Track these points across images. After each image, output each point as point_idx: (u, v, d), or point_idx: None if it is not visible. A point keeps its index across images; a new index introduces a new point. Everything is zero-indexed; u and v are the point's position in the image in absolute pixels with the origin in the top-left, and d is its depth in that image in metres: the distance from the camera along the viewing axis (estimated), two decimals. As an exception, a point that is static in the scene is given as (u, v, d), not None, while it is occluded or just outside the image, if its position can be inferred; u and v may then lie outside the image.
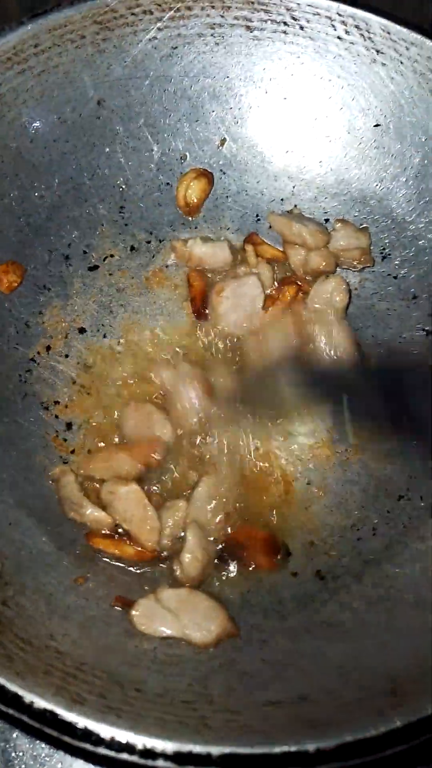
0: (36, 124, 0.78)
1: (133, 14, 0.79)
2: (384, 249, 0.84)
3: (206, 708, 0.53)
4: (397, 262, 0.83)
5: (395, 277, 0.83)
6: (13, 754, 0.63)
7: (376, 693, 0.53)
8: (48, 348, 0.79)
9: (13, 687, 0.50)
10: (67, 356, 0.80)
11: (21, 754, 0.63)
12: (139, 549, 0.65)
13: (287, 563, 0.69)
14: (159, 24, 0.80)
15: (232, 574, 0.67)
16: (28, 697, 0.50)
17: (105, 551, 0.66)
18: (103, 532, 0.67)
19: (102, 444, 0.75)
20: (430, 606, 0.61)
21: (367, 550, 0.69)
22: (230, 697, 0.55)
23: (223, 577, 0.67)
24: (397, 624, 0.60)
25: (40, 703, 0.50)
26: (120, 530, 0.68)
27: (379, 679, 0.55)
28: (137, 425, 0.73)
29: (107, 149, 0.83)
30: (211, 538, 0.67)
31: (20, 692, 0.50)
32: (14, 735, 0.64)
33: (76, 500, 0.67)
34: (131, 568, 0.66)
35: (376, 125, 0.82)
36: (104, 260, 0.84)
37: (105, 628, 0.60)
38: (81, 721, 0.49)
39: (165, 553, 0.67)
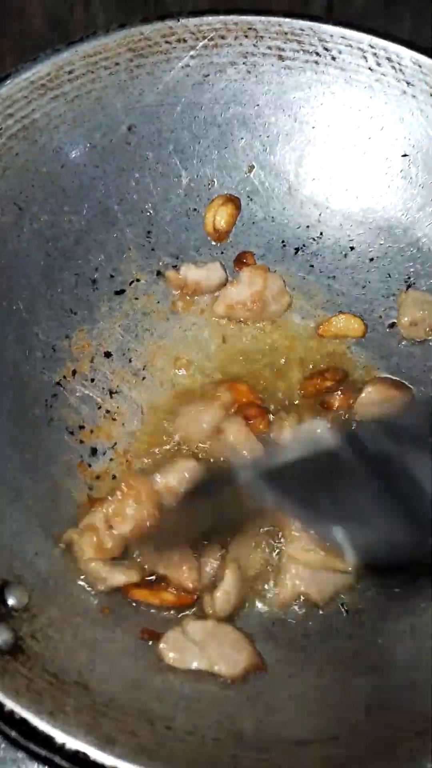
0: (72, 152, 0.78)
1: (167, 42, 0.79)
2: (409, 278, 0.84)
3: (236, 746, 0.53)
4: (422, 292, 0.83)
5: (420, 307, 0.83)
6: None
7: (405, 734, 0.53)
8: (74, 372, 0.80)
9: (44, 727, 0.50)
10: (92, 380, 0.80)
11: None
12: (180, 594, 0.65)
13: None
14: (192, 52, 0.80)
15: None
16: (60, 737, 0.50)
17: (144, 602, 0.65)
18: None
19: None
20: (458, 644, 0.61)
21: (390, 584, 0.70)
22: (260, 732, 0.55)
23: (248, 611, 0.67)
24: (423, 661, 0.60)
25: (73, 744, 0.50)
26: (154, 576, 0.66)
27: (408, 719, 0.55)
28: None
29: (136, 174, 0.84)
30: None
31: (52, 733, 0.50)
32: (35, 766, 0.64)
33: (95, 573, 0.64)
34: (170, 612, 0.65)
35: (404, 155, 0.82)
36: (131, 284, 0.85)
37: (132, 662, 0.60)
38: (114, 762, 0.49)
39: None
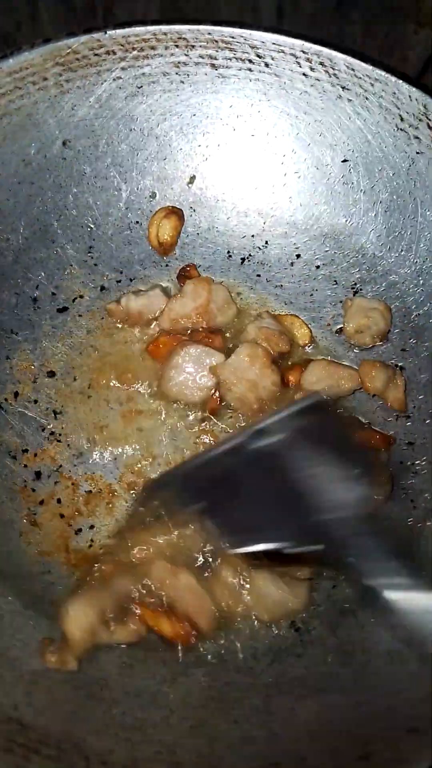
0: (5, 170, 0.77)
1: (96, 55, 0.78)
2: (355, 284, 0.83)
3: (174, 779, 0.52)
4: (368, 298, 0.82)
5: (368, 313, 0.82)
6: None
7: (348, 760, 0.52)
8: (16, 394, 0.78)
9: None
10: (36, 402, 0.79)
11: None
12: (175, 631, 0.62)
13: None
14: (123, 63, 0.79)
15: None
16: (-15, 780, 0.48)
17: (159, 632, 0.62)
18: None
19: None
20: (404, 661, 0.59)
21: (342, 599, 0.68)
22: (199, 765, 0.53)
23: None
24: (370, 681, 0.59)
25: (-2, 786, 0.48)
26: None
27: (350, 743, 0.53)
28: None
29: (74, 190, 0.82)
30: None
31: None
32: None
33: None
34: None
35: (345, 161, 0.81)
36: (74, 301, 0.83)
37: (72, 692, 0.59)
38: (40, 805, 0.47)
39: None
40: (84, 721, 0.56)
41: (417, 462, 0.75)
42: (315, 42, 0.77)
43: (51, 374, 0.80)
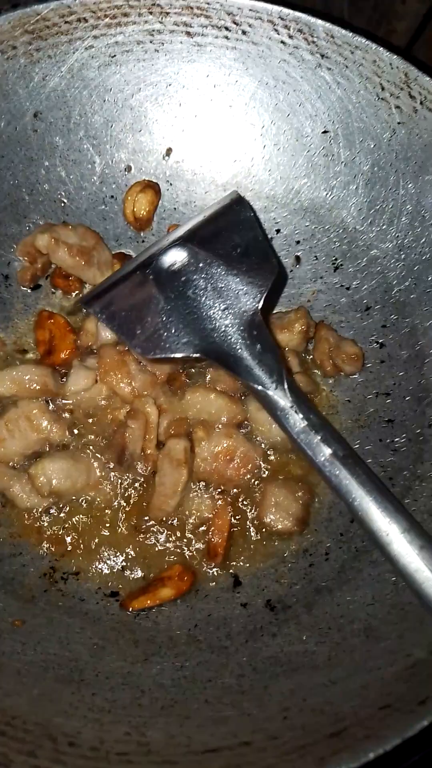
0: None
1: (66, 22, 0.75)
2: (336, 259, 0.81)
3: (143, 760, 0.51)
4: (349, 273, 0.81)
5: (348, 288, 0.81)
6: None
7: (319, 737, 0.51)
8: (-12, 374, 0.76)
9: None
10: (9, 381, 0.77)
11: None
12: (177, 582, 0.65)
13: (237, 594, 0.67)
14: (95, 32, 0.76)
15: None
16: None
17: (147, 607, 0.64)
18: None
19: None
20: (380, 637, 0.58)
21: (319, 577, 0.67)
22: (169, 745, 0.52)
23: (170, 612, 0.64)
24: (345, 658, 0.58)
25: (-40, 767, 0.47)
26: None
27: (323, 721, 0.52)
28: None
29: (46, 163, 0.80)
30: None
31: None
32: None
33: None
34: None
35: (325, 132, 0.79)
36: (47, 278, 0.81)
37: (41, 674, 0.58)
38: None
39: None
40: (52, 703, 0.55)
41: (396, 440, 0.74)
42: (293, 8, 0.74)
43: (23, 352, 0.78)
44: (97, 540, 0.69)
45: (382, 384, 0.77)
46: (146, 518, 0.70)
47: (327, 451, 0.59)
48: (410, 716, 0.50)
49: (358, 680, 0.56)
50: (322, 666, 0.58)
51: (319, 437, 0.59)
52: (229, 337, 0.63)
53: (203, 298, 0.64)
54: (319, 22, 0.75)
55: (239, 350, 0.63)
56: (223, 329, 0.63)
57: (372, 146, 0.77)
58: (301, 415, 0.60)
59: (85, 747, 0.51)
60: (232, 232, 0.68)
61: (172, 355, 0.62)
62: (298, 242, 0.82)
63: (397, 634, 0.58)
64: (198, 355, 0.62)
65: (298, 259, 0.82)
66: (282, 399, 0.61)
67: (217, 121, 0.82)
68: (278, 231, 0.83)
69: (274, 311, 0.82)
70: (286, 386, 0.61)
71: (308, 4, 1.11)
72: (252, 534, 0.70)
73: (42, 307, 0.80)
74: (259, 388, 0.61)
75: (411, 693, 0.52)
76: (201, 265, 0.65)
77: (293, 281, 0.83)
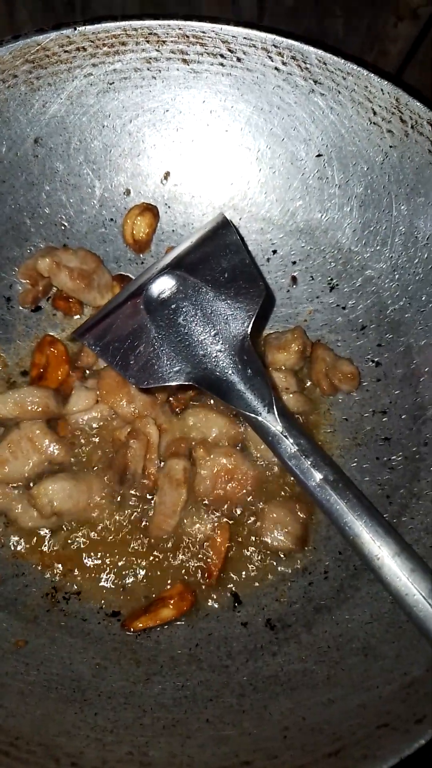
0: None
1: (66, 51, 0.77)
2: (332, 279, 0.82)
3: (144, 780, 0.51)
4: (345, 293, 0.82)
5: (344, 308, 0.82)
6: None
7: (318, 756, 0.51)
8: (-10, 395, 0.77)
9: None
10: (10, 402, 0.78)
11: None
12: (178, 603, 0.65)
13: (237, 613, 0.68)
14: (93, 60, 0.78)
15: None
16: None
17: (148, 627, 0.65)
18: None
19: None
20: (379, 656, 0.59)
21: (318, 596, 0.68)
22: (170, 765, 0.53)
23: (172, 633, 0.65)
24: (344, 677, 0.59)
25: (-35, 789, 0.48)
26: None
27: (322, 740, 0.53)
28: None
29: (47, 187, 0.81)
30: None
31: None
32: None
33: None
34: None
35: (319, 155, 0.80)
36: (48, 300, 0.83)
37: (44, 693, 0.58)
38: (7, 808, 0.47)
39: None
40: (55, 723, 0.55)
41: (393, 458, 0.75)
42: (287, 36, 0.76)
43: (24, 374, 0.79)
44: (98, 560, 0.70)
45: (378, 402, 0.78)
46: (147, 538, 0.71)
47: (318, 476, 0.60)
48: (407, 735, 0.50)
49: (356, 699, 0.56)
50: (321, 685, 0.59)
51: (310, 462, 0.60)
52: (220, 362, 0.64)
53: (193, 325, 0.65)
54: (312, 49, 0.77)
55: (230, 375, 0.63)
56: (213, 355, 0.64)
57: (365, 169, 0.79)
58: (291, 440, 0.61)
59: (87, 767, 0.52)
60: (219, 257, 0.69)
61: (165, 384, 0.63)
62: (294, 263, 0.84)
63: (394, 653, 0.59)
64: (190, 383, 0.63)
65: (294, 279, 0.84)
66: (273, 424, 0.61)
67: (213, 145, 0.83)
68: (274, 252, 0.84)
69: (271, 331, 0.83)
70: (276, 411, 0.62)
71: (303, 26, 1.14)
72: (251, 553, 0.71)
73: (44, 329, 0.81)
74: (251, 414, 0.62)
75: (408, 712, 0.53)
76: (190, 291, 0.66)
77: (290, 301, 0.84)
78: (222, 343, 0.64)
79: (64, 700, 0.58)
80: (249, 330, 0.65)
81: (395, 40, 1.13)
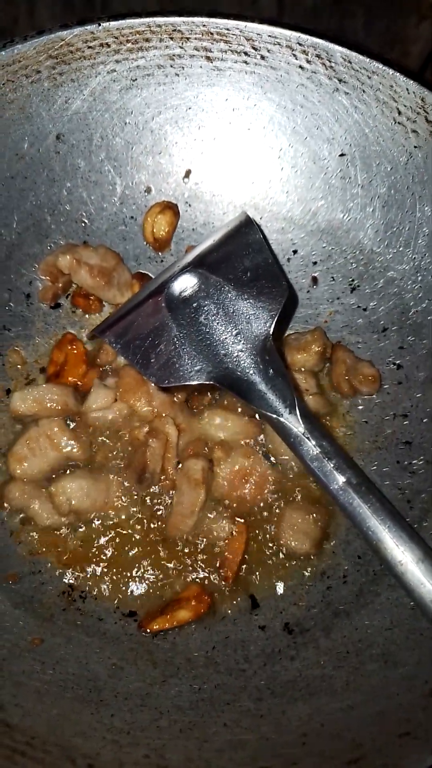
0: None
1: (89, 47, 0.77)
2: (353, 280, 0.82)
3: (161, 783, 0.51)
4: (366, 294, 0.81)
5: (365, 310, 0.81)
6: None
7: (338, 764, 0.51)
8: (8, 391, 0.77)
9: None
10: (28, 399, 0.77)
11: None
12: (195, 604, 0.65)
13: (255, 616, 0.67)
14: (117, 56, 0.78)
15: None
16: (-30, 782, 0.47)
17: (164, 629, 0.64)
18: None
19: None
20: (399, 663, 0.58)
21: (337, 600, 0.67)
22: (188, 767, 0.52)
23: (187, 636, 0.64)
24: (363, 684, 0.58)
25: (-19, 788, 0.47)
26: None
27: (342, 747, 0.52)
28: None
29: (68, 184, 0.81)
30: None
31: (-39, 777, 0.47)
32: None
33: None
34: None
35: (342, 155, 0.80)
36: (68, 297, 0.82)
37: (60, 693, 0.58)
38: (24, 808, 0.47)
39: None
40: (71, 723, 0.55)
41: (414, 462, 0.74)
42: (311, 34, 0.75)
43: (43, 371, 0.79)
44: (115, 559, 0.69)
45: (399, 405, 0.77)
46: (164, 538, 0.70)
47: (341, 479, 0.59)
48: (429, 745, 0.49)
49: (376, 706, 0.56)
50: (340, 691, 0.58)
51: (333, 464, 0.59)
52: (242, 362, 0.63)
53: (215, 324, 0.65)
54: (337, 47, 0.76)
55: (252, 375, 0.63)
56: (235, 355, 0.64)
57: (389, 169, 0.78)
58: (314, 442, 0.60)
59: (104, 769, 0.51)
60: (242, 256, 0.68)
61: (186, 383, 0.63)
62: (314, 263, 0.83)
63: (415, 660, 0.58)
64: (211, 382, 0.63)
65: (315, 280, 0.83)
66: (295, 425, 0.61)
67: (235, 143, 0.83)
68: (295, 252, 0.83)
69: (291, 332, 0.83)
70: (298, 412, 0.61)
71: (323, 25, 1.13)
72: (269, 555, 0.70)
73: (63, 326, 0.81)
74: (273, 415, 0.61)
75: (429, 721, 0.52)
76: (212, 290, 0.66)
77: (310, 302, 0.83)
78: (244, 343, 0.64)
79: (80, 700, 0.58)
80: (271, 330, 0.64)
81: (416, 41, 1.12)
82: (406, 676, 0.57)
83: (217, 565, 0.69)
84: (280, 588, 0.69)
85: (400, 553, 0.56)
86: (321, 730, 0.54)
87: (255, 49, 0.77)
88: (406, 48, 1.12)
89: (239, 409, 0.75)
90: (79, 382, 0.77)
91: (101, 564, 0.69)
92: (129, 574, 0.68)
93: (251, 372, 0.63)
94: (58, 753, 0.52)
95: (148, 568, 0.69)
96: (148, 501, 0.71)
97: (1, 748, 0.50)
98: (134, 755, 0.53)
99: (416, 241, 0.78)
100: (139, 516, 0.71)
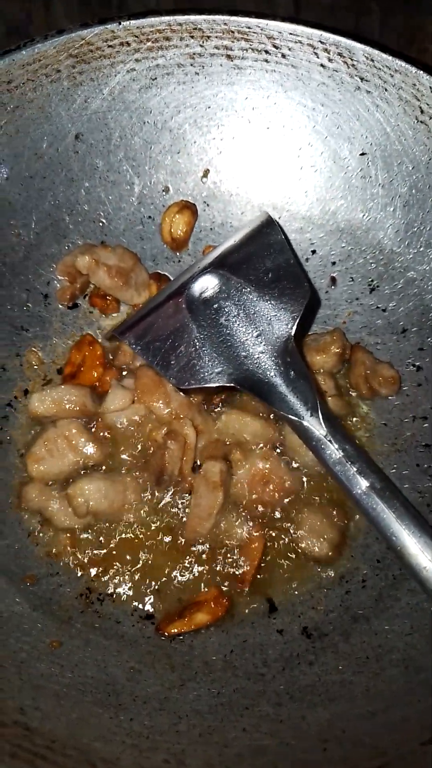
0: (17, 163, 0.76)
1: (110, 46, 0.76)
2: (372, 281, 0.81)
3: (182, 789, 0.50)
4: (386, 295, 0.80)
5: (384, 310, 0.80)
6: None
7: (361, 772, 0.50)
8: (26, 392, 0.77)
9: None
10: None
11: None
12: (213, 607, 0.64)
13: (273, 620, 0.66)
14: (137, 55, 0.77)
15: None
16: (-9, 785, 0.47)
17: (182, 632, 0.64)
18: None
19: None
20: (420, 669, 0.58)
21: (356, 604, 0.67)
22: (208, 774, 0.52)
23: (205, 638, 0.64)
24: (384, 690, 0.57)
25: (3, 792, 0.47)
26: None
27: (364, 754, 0.52)
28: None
29: (86, 184, 0.81)
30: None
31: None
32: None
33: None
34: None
35: (362, 154, 0.79)
36: (85, 297, 0.82)
37: (79, 697, 0.58)
38: None
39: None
40: (91, 727, 0.55)
41: (434, 465, 0.73)
42: (333, 32, 0.74)
43: (60, 371, 0.79)
44: (132, 561, 0.69)
45: (419, 408, 0.76)
46: (182, 540, 0.70)
47: (364, 483, 0.58)
48: (454, 753, 0.49)
49: (398, 713, 0.55)
50: (360, 697, 0.57)
51: (356, 468, 0.59)
52: (263, 364, 0.63)
53: (236, 326, 0.64)
54: (359, 45, 0.75)
55: (273, 377, 0.62)
56: (256, 356, 0.63)
57: (410, 168, 0.77)
58: (336, 446, 0.59)
59: (123, 774, 0.51)
60: (263, 257, 0.68)
61: (207, 385, 0.62)
62: (333, 263, 0.82)
63: (437, 665, 0.58)
64: (232, 384, 0.62)
65: (333, 280, 0.82)
66: (317, 428, 0.60)
67: (254, 142, 0.82)
68: (314, 252, 0.83)
69: (310, 333, 0.82)
70: (320, 415, 0.60)
71: (340, 24, 1.12)
72: (287, 559, 0.69)
73: (81, 327, 0.81)
74: (294, 418, 0.60)
75: (454, 729, 0.51)
76: (233, 291, 0.65)
77: (329, 302, 0.82)
78: (265, 345, 0.63)
79: (99, 703, 0.57)
80: (293, 331, 0.63)
81: (433, 38, 1.11)
82: (427, 682, 0.57)
83: (235, 568, 0.69)
84: (298, 592, 0.68)
85: (425, 559, 0.55)
86: (342, 737, 0.54)
87: (276, 47, 0.76)
88: (424, 45, 1.11)
89: (256, 412, 0.75)
90: (96, 383, 0.76)
91: (118, 566, 0.69)
92: (146, 577, 0.68)
93: (272, 374, 0.62)
94: (78, 757, 0.52)
95: (165, 570, 0.69)
96: (165, 503, 0.71)
97: (22, 752, 0.50)
98: (154, 760, 0.53)
99: (437, 241, 0.77)
100: (157, 518, 0.71)
